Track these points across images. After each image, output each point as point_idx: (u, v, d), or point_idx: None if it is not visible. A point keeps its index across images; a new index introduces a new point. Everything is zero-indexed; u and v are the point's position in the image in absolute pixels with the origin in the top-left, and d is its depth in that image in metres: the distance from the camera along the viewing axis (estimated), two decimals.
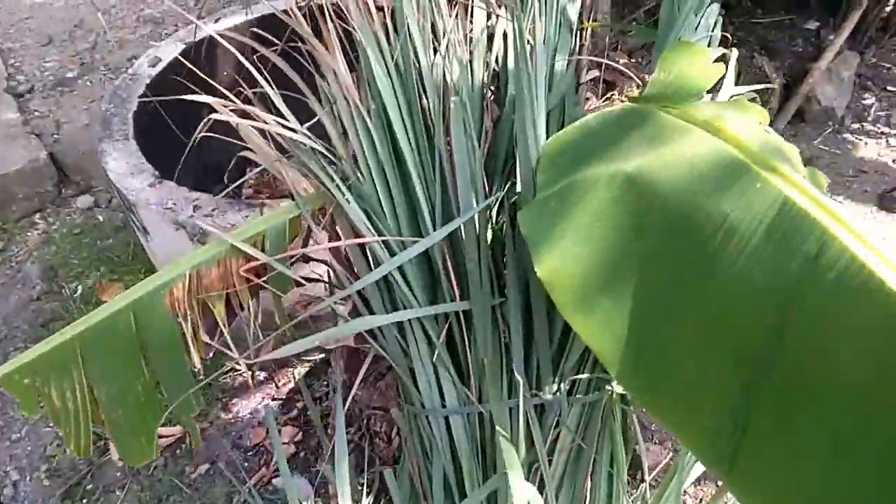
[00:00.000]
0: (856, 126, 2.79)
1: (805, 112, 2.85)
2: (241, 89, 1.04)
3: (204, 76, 1.12)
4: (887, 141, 2.71)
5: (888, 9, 2.94)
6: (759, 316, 0.62)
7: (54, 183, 2.76)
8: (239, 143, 0.96)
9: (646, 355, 0.69)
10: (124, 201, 1.91)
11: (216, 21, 2.46)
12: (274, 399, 2.15)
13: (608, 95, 2.19)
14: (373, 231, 0.92)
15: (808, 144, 2.73)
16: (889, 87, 2.92)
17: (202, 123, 0.93)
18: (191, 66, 1.20)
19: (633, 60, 2.69)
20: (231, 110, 0.91)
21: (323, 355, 2.16)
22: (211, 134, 0.96)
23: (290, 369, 2.17)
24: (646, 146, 0.77)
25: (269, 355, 0.90)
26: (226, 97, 0.93)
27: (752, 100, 0.91)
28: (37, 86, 3.12)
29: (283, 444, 2.03)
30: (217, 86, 1.05)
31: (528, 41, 0.89)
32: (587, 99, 1.16)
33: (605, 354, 0.71)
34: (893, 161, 2.63)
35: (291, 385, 2.17)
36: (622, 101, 0.92)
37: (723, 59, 0.90)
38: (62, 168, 2.81)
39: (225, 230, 0.91)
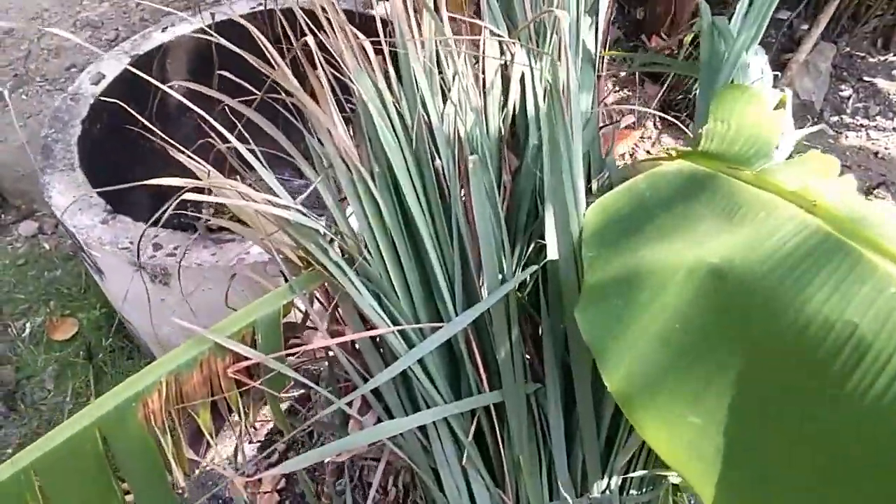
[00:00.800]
0: (835, 119, 2.74)
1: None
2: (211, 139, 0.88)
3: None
4: (867, 133, 2.66)
5: None
6: None
7: None
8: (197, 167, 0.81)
9: (746, 487, 0.57)
10: (75, 240, 1.72)
11: (164, 30, 2.25)
12: (251, 443, 1.99)
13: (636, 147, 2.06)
14: (384, 317, 0.77)
15: None
16: (865, 78, 2.88)
17: (174, 197, 0.77)
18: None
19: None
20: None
21: (302, 391, 2.01)
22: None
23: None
24: (723, 225, 0.64)
25: (272, 471, 0.75)
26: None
27: None
28: None
29: (266, 493, 1.88)
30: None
31: (562, 84, 0.75)
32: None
33: (694, 481, 0.59)
34: (876, 154, 2.58)
35: (270, 426, 2.01)
36: (668, 155, 0.79)
37: (781, 102, 0.78)
38: (0, 193, 2.57)
39: (205, 328, 0.76)
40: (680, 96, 2.52)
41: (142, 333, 1.99)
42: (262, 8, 2.07)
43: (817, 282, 0.56)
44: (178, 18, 2.26)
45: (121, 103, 1.32)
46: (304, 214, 0.74)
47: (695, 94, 2.53)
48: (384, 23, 0.82)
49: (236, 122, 0.83)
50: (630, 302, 0.63)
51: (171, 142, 0.84)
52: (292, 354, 0.76)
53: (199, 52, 2.19)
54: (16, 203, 2.59)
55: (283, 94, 0.78)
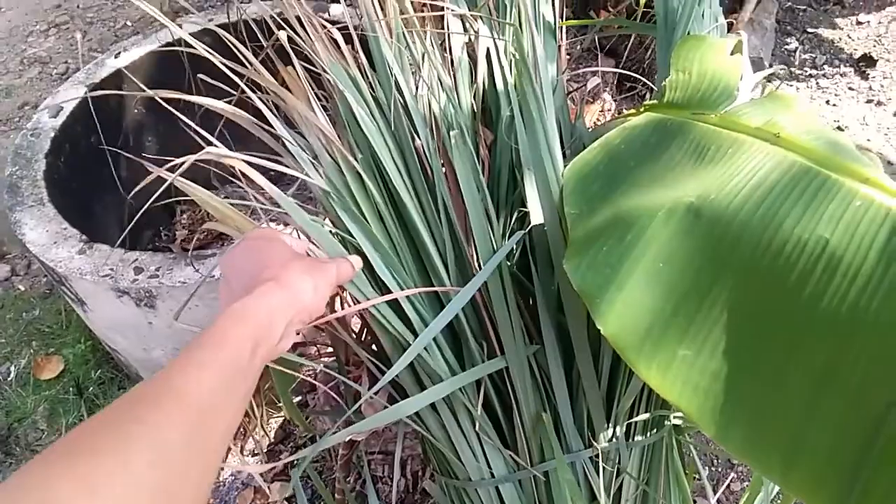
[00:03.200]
0: (784, 72, 2.82)
1: None
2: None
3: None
4: (817, 83, 2.75)
5: None
6: (885, 355, 0.54)
7: None
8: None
9: (741, 409, 0.60)
10: (53, 275, 1.70)
11: (116, 56, 2.23)
12: (254, 454, 1.99)
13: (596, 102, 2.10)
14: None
15: None
16: (808, 30, 2.96)
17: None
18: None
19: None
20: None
21: (299, 398, 2.01)
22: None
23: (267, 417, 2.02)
24: (695, 166, 0.68)
25: (291, 457, 0.77)
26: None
27: None
28: None
29: (274, 503, 1.89)
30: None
31: (528, 52, 0.78)
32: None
33: (691, 411, 0.62)
34: (827, 102, 2.67)
35: (273, 434, 2.01)
36: (636, 111, 0.83)
37: (737, 47, 0.82)
38: None
39: None
40: (634, 66, 2.58)
41: (131, 360, 1.98)
42: (211, 23, 2.07)
43: (787, 205, 0.60)
44: (130, 43, 2.25)
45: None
46: (299, 205, 0.76)
47: (647, 64, 2.59)
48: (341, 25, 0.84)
49: (203, 133, 0.83)
50: (614, 248, 0.66)
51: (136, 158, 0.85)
52: (302, 344, 0.78)
53: (156, 74, 2.18)
54: None
55: (256, 94, 0.80)
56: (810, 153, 0.63)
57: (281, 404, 1.73)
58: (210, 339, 0.51)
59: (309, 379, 0.92)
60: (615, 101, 2.63)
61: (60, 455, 0.39)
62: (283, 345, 0.62)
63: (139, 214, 0.77)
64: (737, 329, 0.61)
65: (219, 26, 0.91)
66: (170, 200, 0.74)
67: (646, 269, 0.64)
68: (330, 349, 1.01)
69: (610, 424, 0.85)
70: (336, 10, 2.10)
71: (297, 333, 0.65)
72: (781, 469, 0.60)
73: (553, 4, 1.01)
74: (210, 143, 0.73)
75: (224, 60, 0.81)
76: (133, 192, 0.77)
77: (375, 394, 0.81)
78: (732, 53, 0.79)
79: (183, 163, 0.67)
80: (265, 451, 1.99)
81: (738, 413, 0.61)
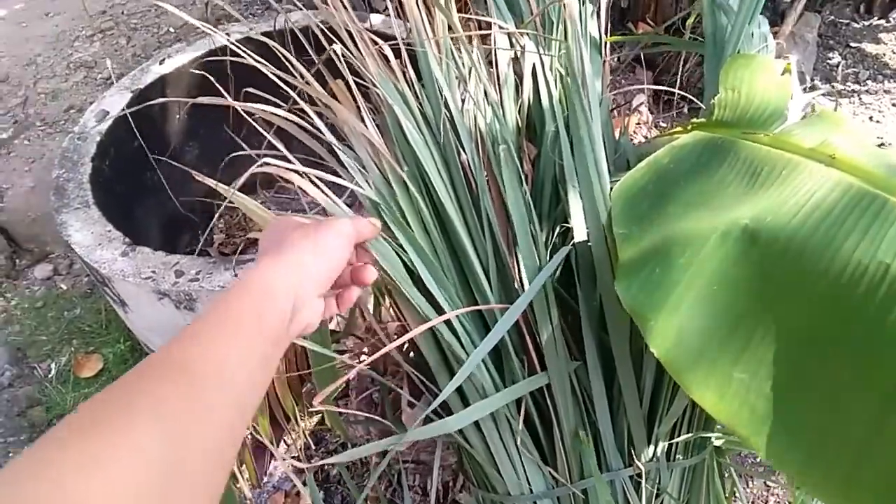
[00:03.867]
0: (826, 87, 2.77)
1: None
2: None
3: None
4: (860, 98, 2.70)
5: None
6: None
7: (6, 255, 2.55)
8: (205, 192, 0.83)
9: (799, 433, 0.60)
10: (96, 275, 1.74)
11: (161, 62, 2.28)
12: (284, 460, 2.01)
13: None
14: (432, 308, 0.80)
15: None
16: (851, 44, 2.91)
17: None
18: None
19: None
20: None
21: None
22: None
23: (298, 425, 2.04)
24: (749, 187, 0.67)
25: (331, 459, 0.78)
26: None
27: None
28: None
29: None
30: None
31: (577, 68, 0.78)
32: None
33: (747, 434, 0.61)
34: (870, 118, 2.62)
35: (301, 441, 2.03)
36: (683, 129, 0.82)
37: (786, 69, 0.81)
38: (13, 238, 2.60)
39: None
40: (672, 79, 2.56)
41: None
42: (252, 31, 2.10)
43: (845, 229, 0.59)
44: (174, 50, 2.30)
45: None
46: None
47: (685, 77, 2.57)
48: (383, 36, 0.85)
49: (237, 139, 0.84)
50: (667, 270, 0.66)
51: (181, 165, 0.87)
52: (344, 352, 0.79)
53: (199, 81, 2.23)
54: (28, 247, 2.62)
55: (308, 106, 0.81)
56: (867, 176, 0.62)
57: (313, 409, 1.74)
58: (215, 312, 0.50)
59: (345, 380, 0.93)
60: (652, 113, 2.62)
61: (69, 429, 0.39)
62: (303, 319, 0.58)
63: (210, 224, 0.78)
64: (794, 352, 0.61)
65: (262, 34, 0.92)
66: (206, 201, 0.75)
67: (699, 291, 0.64)
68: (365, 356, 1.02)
69: (651, 444, 0.84)
70: (376, 19, 2.12)
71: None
72: (841, 493, 0.59)
73: (598, 19, 1.01)
74: (252, 151, 0.74)
75: (274, 70, 0.82)
76: (183, 197, 0.78)
77: (416, 406, 0.81)
78: (782, 74, 0.79)
79: (241, 177, 0.68)
80: (300, 452, 2.01)
81: (797, 437, 0.61)
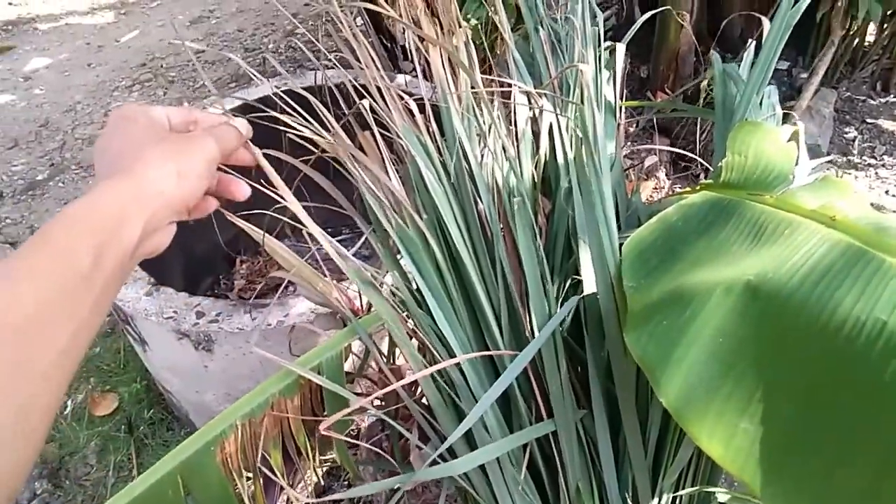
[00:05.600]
0: (842, 160, 2.81)
1: None
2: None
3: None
4: (876, 173, 2.73)
5: (856, 42, 3.01)
6: None
7: None
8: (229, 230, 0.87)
9: (804, 485, 0.61)
10: (119, 313, 1.79)
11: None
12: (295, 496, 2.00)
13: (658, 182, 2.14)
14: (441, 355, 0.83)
15: None
16: (868, 120, 2.97)
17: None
18: None
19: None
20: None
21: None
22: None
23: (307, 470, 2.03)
24: (752, 244, 0.70)
25: (338, 495, 0.79)
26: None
27: None
28: (6, 191, 2.99)
29: None
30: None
31: (590, 129, 0.83)
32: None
33: (754, 485, 0.63)
34: (886, 192, 2.64)
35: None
36: (692, 189, 0.86)
37: (793, 136, 0.85)
38: None
39: (290, 361, 0.81)
40: (689, 146, 2.62)
41: (183, 402, 2.03)
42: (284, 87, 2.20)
43: (844, 287, 0.62)
44: (209, 102, 2.40)
45: None
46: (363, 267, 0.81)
47: (701, 145, 2.63)
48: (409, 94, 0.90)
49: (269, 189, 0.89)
50: (674, 322, 0.68)
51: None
52: (360, 394, 0.81)
53: None
54: None
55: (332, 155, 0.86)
56: (866, 236, 0.65)
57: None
58: (32, 247, 0.44)
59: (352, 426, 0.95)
60: (668, 178, 2.67)
61: None
62: (152, 243, 0.54)
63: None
64: (795, 406, 0.62)
65: (285, 92, 0.98)
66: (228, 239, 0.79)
67: (705, 343, 0.66)
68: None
69: (655, 495, 0.85)
70: (400, 80, 2.21)
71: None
72: None
73: (615, 85, 1.06)
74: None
75: (305, 122, 0.88)
76: (223, 238, 0.82)
77: (423, 448, 0.83)
78: (788, 141, 0.83)
79: (266, 216, 0.72)
80: (310, 488, 2.00)
81: (802, 489, 0.62)
